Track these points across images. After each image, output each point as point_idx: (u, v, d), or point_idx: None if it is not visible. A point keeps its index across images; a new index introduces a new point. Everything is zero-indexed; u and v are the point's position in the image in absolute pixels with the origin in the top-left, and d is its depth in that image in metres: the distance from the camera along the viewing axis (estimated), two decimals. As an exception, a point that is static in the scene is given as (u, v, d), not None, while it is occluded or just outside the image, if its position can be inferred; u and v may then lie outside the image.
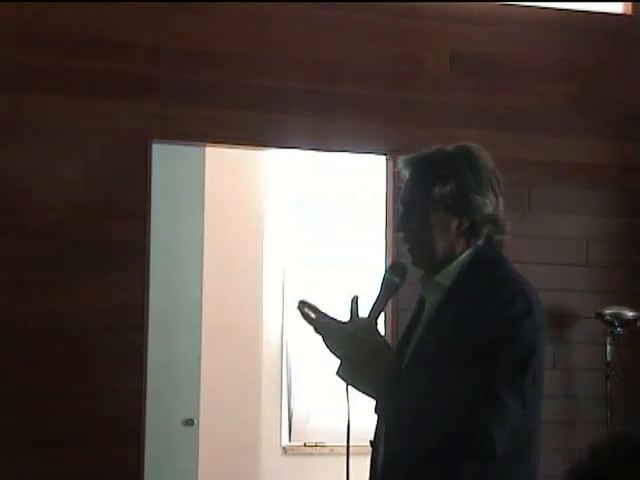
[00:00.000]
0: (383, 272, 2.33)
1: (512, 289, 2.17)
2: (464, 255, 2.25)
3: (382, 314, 2.27)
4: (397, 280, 2.26)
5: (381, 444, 2.30)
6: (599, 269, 4.55)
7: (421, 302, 2.37)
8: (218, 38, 4.20)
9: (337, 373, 2.18)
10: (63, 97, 4.01)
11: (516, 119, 4.50)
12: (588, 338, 4.42)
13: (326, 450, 5.64)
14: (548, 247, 4.48)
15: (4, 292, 3.91)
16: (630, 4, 4.75)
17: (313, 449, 5.65)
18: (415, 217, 2.27)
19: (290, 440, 5.76)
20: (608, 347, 4.31)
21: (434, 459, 2.14)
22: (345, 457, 2.25)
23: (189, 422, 4.61)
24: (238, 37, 4.22)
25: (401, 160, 2.32)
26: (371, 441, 2.37)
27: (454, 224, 2.25)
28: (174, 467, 4.57)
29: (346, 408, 2.18)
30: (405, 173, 2.31)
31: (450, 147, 2.31)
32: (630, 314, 4.29)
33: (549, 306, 4.38)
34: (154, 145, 4.10)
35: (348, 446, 2.24)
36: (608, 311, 4.29)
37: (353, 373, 2.17)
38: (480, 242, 2.26)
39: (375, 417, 2.33)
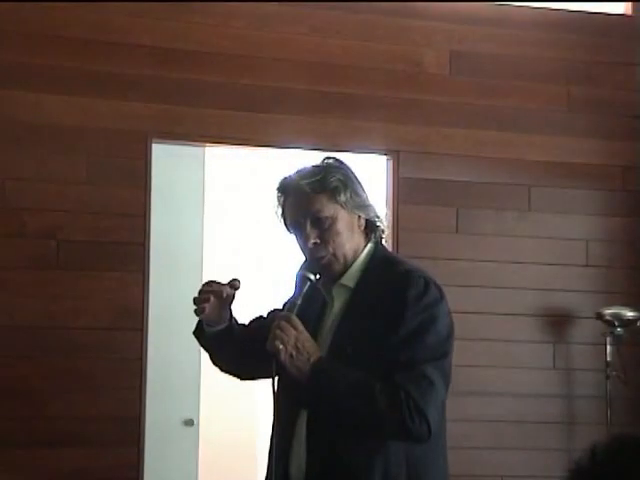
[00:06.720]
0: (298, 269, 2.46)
1: (423, 281, 2.32)
2: (362, 256, 2.43)
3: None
4: (311, 276, 2.40)
5: (294, 446, 2.31)
6: (599, 269, 4.54)
7: (324, 306, 2.47)
8: (218, 38, 4.20)
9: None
10: (63, 97, 4.01)
11: (516, 119, 4.50)
12: (588, 338, 4.41)
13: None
14: (548, 247, 4.48)
15: (4, 292, 3.91)
16: (630, 4, 4.75)
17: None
18: (324, 226, 2.39)
19: (290, 440, 5.75)
20: (608, 347, 4.30)
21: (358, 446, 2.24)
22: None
23: (189, 422, 4.61)
24: (238, 37, 4.22)
25: (281, 184, 2.49)
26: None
27: (356, 222, 2.42)
28: (174, 467, 4.56)
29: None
30: (292, 193, 2.45)
31: (320, 163, 2.50)
32: (630, 314, 4.28)
33: (549, 306, 4.42)
34: (154, 145, 4.11)
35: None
36: (608, 311, 4.29)
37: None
38: (373, 241, 2.45)
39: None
